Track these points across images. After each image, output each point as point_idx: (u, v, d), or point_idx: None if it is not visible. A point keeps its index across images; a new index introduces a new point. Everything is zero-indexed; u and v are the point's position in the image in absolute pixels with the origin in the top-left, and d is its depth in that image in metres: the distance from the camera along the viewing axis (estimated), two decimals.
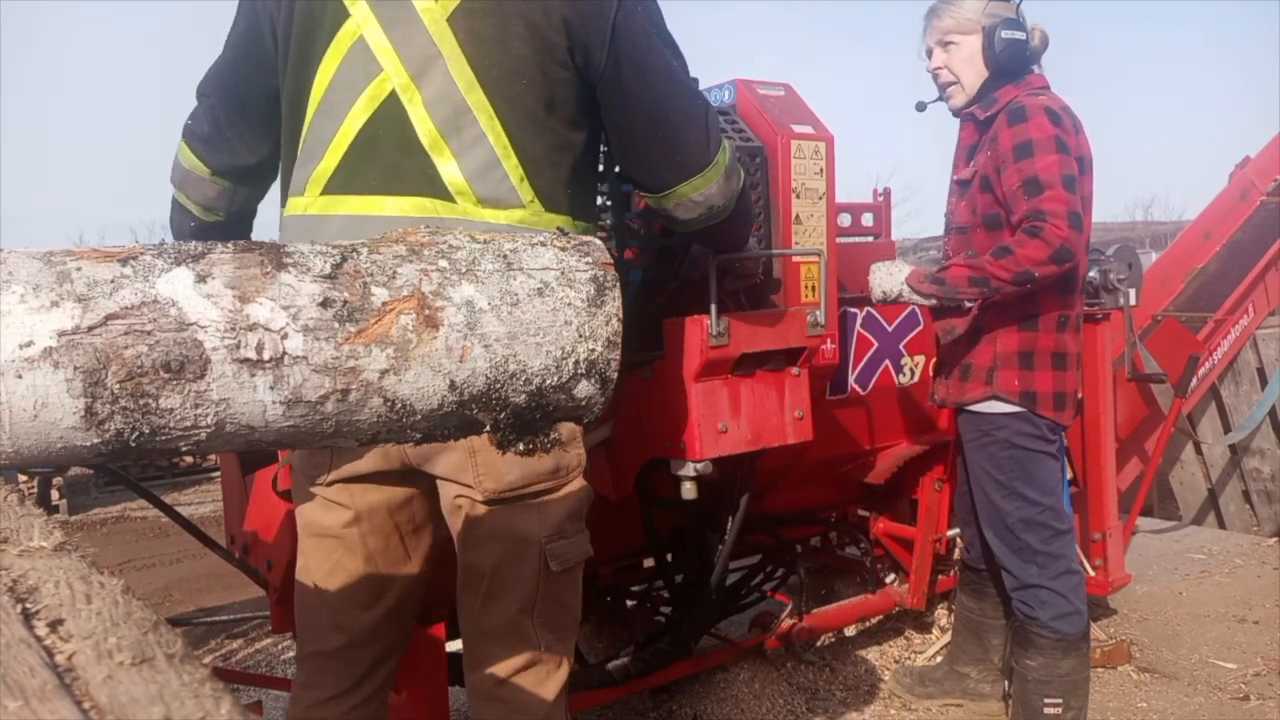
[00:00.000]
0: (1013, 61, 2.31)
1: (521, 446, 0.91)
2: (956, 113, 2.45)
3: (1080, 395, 2.69)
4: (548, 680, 1.53)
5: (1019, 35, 2.29)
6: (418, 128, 1.38)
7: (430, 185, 1.38)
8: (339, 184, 1.42)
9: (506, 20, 1.37)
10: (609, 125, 1.50)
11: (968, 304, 2.32)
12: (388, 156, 1.39)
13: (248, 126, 1.61)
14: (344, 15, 1.41)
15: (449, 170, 1.38)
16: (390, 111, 1.39)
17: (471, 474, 1.45)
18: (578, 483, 1.53)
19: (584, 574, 1.61)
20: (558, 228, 1.41)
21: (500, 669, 1.51)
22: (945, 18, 2.36)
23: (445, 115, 1.37)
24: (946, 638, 3.13)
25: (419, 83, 1.38)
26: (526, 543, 1.48)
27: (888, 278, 2.37)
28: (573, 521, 1.52)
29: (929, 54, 2.43)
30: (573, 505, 1.51)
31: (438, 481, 1.51)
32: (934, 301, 2.33)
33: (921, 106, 2.53)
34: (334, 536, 1.55)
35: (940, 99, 2.47)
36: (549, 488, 1.48)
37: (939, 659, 3.00)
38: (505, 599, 1.50)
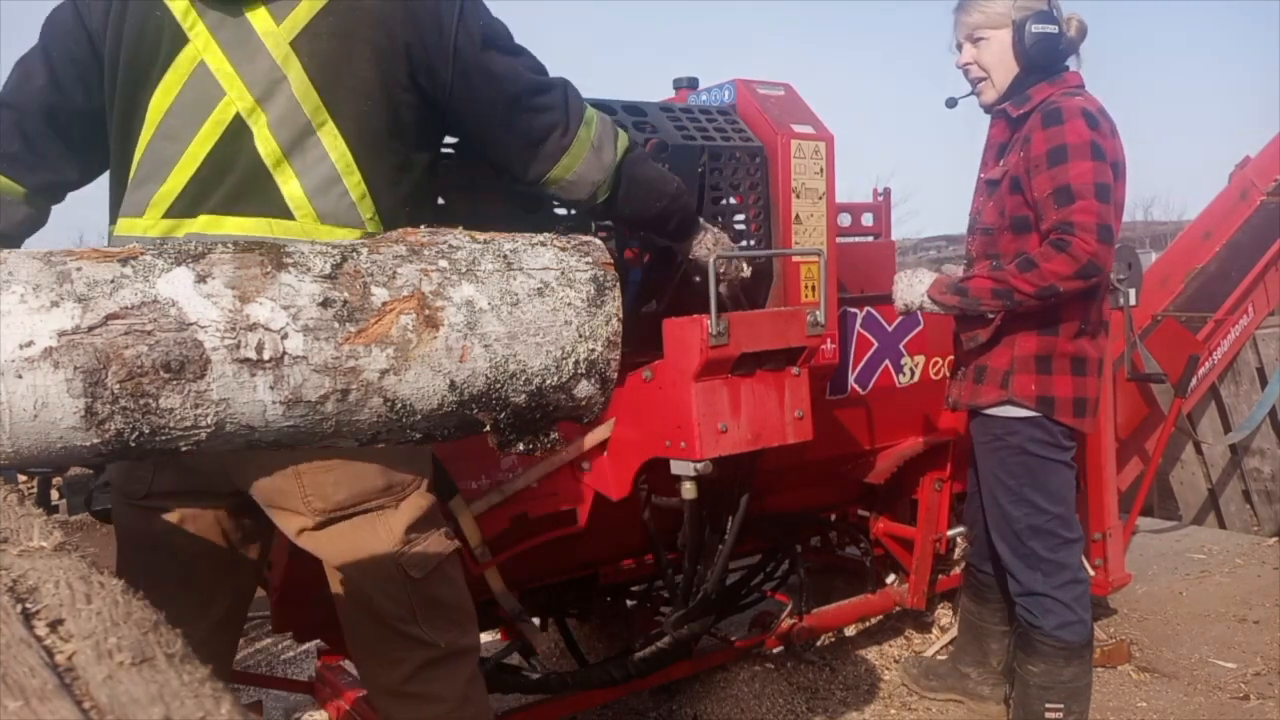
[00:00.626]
0: (1045, 56, 2.24)
1: (522, 446, 0.91)
2: (988, 109, 2.38)
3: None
4: (456, 671, 1.56)
5: (1050, 29, 2.22)
6: (261, 149, 1.40)
7: (271, 205, 1.41)
8: (182, 207, 1.43)
9: (350, 44, 1.40)
10: (470, 134, 1.57)
11: (990, 315, 2.28)
12: (232, 179, 1.41)
13: (67, 143, 1.55)
14: (183, 40, 1.41)
15: (291, 188, 1.41)
16: (235, 134, 1.41)
17: (299, 497, 1.45)
18: (417, 495, 1.53)
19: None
20: None
21: (402, 672, 1.54)
22: (974, 12, 2.29)
23: (289, 136, 1.40)
24: (947, 637, 3.13)
25: (264, 105, 1.40)
26: (380, 559, 1.49)
27: (908, 289, 2.33)
28: (420, 528, 1.52)
29: (959, 48, 2.36)
30: (415, 516, 1.52)
31: (273, 512, 1.51)
32: (956, 312, 2.30)
33: (952, 102, 2.46)
34: (152, 550, 1.54)
35: (971, 94, 2.40)
36: (382, 504, 1.49)
37: (947, 650, 3.01)
38: (382, 615, 1.52)
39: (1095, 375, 2.29)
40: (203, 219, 1.42)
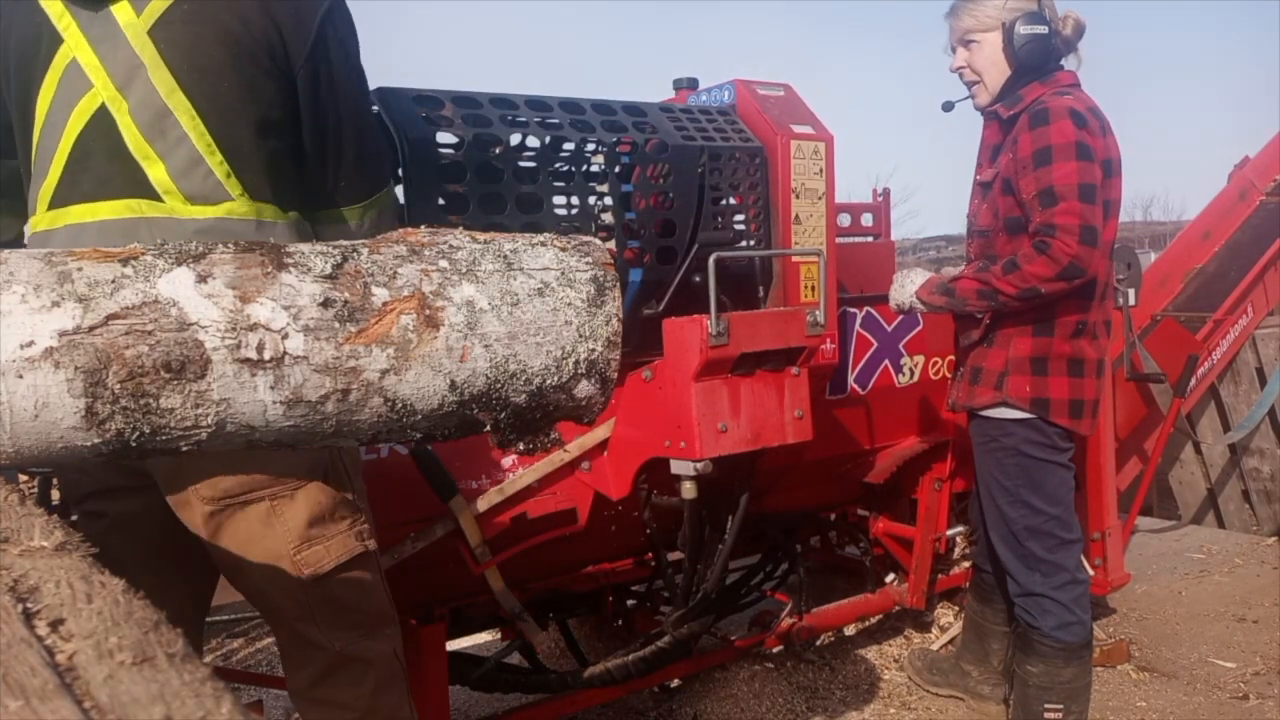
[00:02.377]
0: (1035, 57, 2.23)
1: (522, 446, 0.91)
2: (981, 111, 2.38)
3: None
4: (362, 679, 1.53)
5: (1040, 30, 2.22)
6: (125, 135, 1.44)
7: (139, 188, 1.44)
8: (60, 197, 1.48)
9: (203, 28, 1.45)
10: (309, 133, 1.55)
11: (978, 315, 2.30)
12: (99, 165, 1.45)
13: None
14: (58, 40, 1.47)
15: (156, 172, 1.44)
16: (100, 123, 1.45)
17: (186, 479, 1.45)
18: (315, 486, 1.50)
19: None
20: (264, 219, 1.48)
21: (307, 674, 1.53)
22: (965, 16, 2.30)
23: (149, 120, 1.43)
24: (947, 635, 3.14)
25: (124, 93, 1.44)
26: (275, 555, 1.47)
27: (900, 290, 2.35)
28: (322, 525, 1.50)
29: (952, 52, 2.37)
30: (314, 510, 1.49)
31: (174, 504, 1.50)
32: (944, 311, 2.32)
33: (949, 106, 2.46)
34: (98, 548, 1.53)
35: (967, 97, 2.40)
36: (274, 493, 1.47)
37: (951, 648, 3.02)
38: (281, 613, 1.52)
39: (1094, 377, 2.28)
40: (77, 208, 1.46)
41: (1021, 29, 2.22)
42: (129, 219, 1.43)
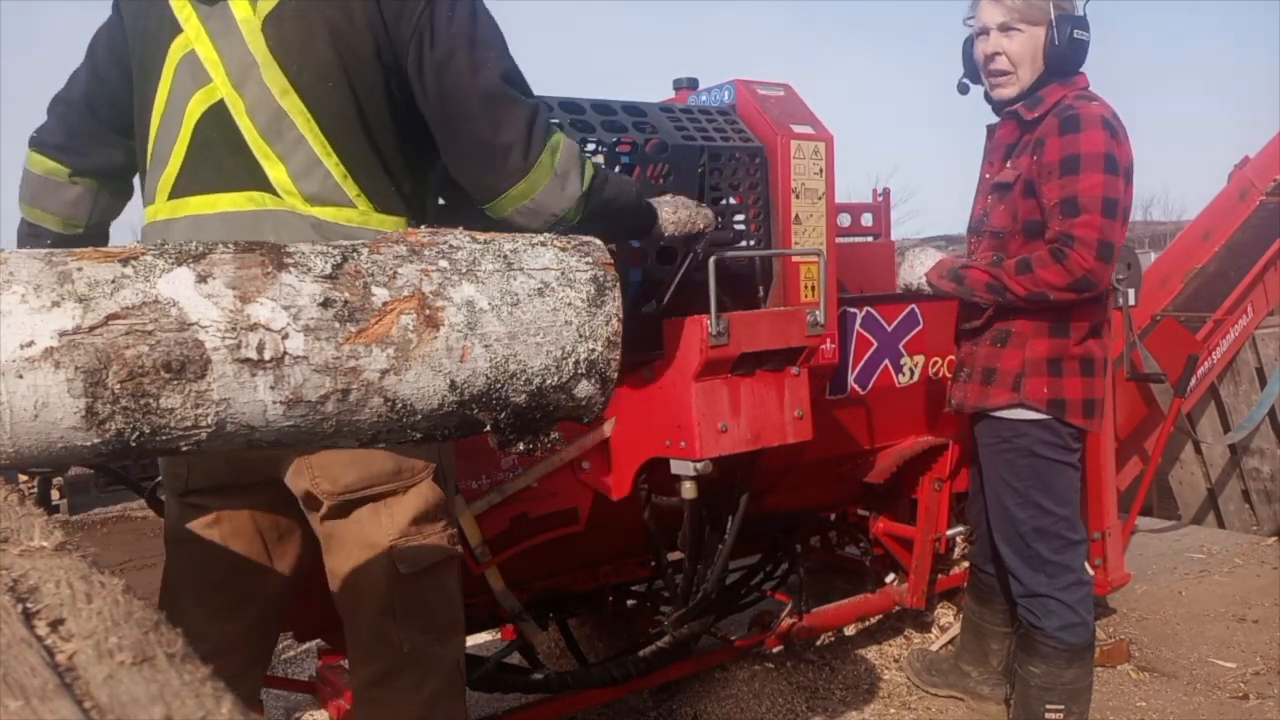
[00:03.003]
0: (1072, 62, 2.19)
1: (522, 446, 0.91)
2: (1000, 105, 2.31)
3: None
4: (422, 685, 1.53)
5: (1086, 36, 2.17)
6: (244, 133, 1.44)
7: (260, 181, 1.44)
8: (181, 187, 1.48)
9: (311, 25, 1.42)
10: (433, 130, 1.51)
11: (982, 305, 2.30)
12: (220, 157, 1.45)
13: (105, 131, 1.66)
14: (178, 30, 1.47)
15: (276, 172, 1.43)
16: (218, 116, 1.45)
17: (308, 477, 1.47)
18: (426, 485, 1.52)
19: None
20: (383, 230, 1.44)
21: (370, 671, 1.53)
22: (1013, 0, 2.18)
23: (265, 121, 1.43)
24: (947, 635, 3.13)
25: (240, 90, 1.44)
26: (372, 545, 1.49)
27: (909, 270, 2.35)
28: (422, 523, 1.52)
29: (984, 34, 2.25)
30: (421, 507, 1.51)
31: (290, 485, 1.53)
32: (950, 297, 2.33)
33: (965, 88, 2.39)
34: (193, 541, 1.55)
35: (979, 84, 2.34)
36: (391, 489, 1.49)
37: (951, 648, 3.02)
38: (363, 602, 1.52)
39: (1102, 375, 2.29)
40: (197, 199, 1.46)
41: (1075, 33, 2.15)
42: (251, 211, 1.43)
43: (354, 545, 1.50)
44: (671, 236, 1.86)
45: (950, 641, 3.10)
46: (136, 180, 1.69)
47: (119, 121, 1.62)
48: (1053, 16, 2.16)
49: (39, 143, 1.68)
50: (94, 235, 1.74)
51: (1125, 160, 2.14)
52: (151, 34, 1.49)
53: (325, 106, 1.42)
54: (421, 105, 1.48)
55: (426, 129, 1.52)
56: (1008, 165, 2.31)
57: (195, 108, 1.45)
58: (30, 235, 1.71)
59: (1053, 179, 2.13)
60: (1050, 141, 2.14)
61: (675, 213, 1.83)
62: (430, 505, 1.53)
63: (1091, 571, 2.96)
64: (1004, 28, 2.21)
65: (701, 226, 1.88)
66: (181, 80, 1.46)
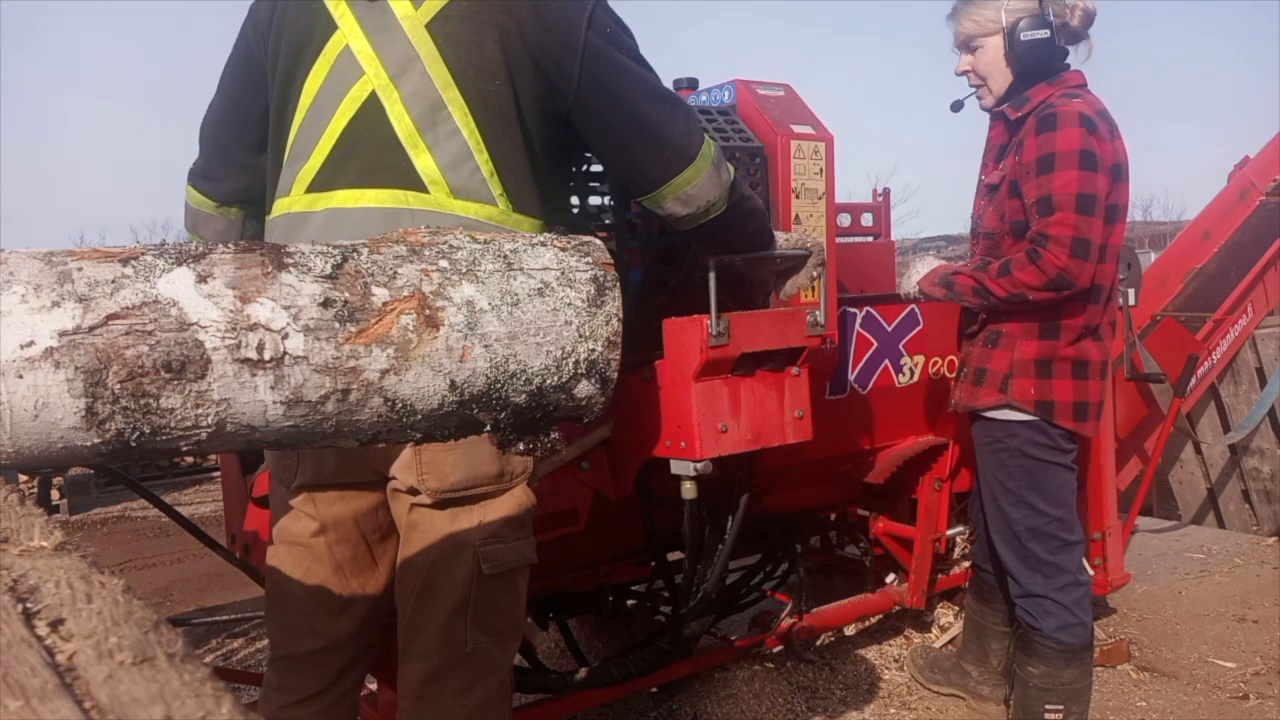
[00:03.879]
0: (1038, 63, 2.22)
1: (522, 446, 0.91)
2: (987, 111, 2.38)
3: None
4: (476, 685, 1.53)
5: (1041, 34, 2.19)
6: (395, 124, 1.45)
7: (405, 178, 1.45)
8: (323, 181, 1.49)
9: (480, 26, 1.46)
10: (591, 133, 1.57)
11: (975, 310, 2.33)
12: (367, 153, 1.47)
13: (246, 152, 1.69)
14: (333, 27, 1.50)
15: (424, 162, 1.45)
16: (370, 110, 1.47)
17: (416, 473, 1.48)
18: (521, 489, 1.54)
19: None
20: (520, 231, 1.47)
21: (427, 667, 1.52)
22: (965, 21, 2.28)
23: (422, 111, 1.45)
24: (948, 635, 3.14)
25: (397, 82, 1.46)
26: (461, 544, 1.50)
27: (906, 279, 2.39)
28: (512, 527, 1.53)
29: (958, 54, 2.36)
30: (514, 510, 1.53)
31: (391, 493, 1.54)
32: (942, 301, 2.37)
33: (958, 106, 2.44)
34: (302, 545, 1.58)
35: (972, 94, 2.40)
36: (491, 491, 1.50)
37: (951, 648, 3.03)
38: (438, 597, 1.52)
39: (1098, 378, 2.28)
40: (341, 193, 1.48)
41: (1023, 35, 2.20)
42: (393, 208, 1.44)
43: (441, 540, 1.50)
44: (783, 254, 1.92)
45: (951, 641, 3.10)
46: None
47: (256, 138, 1.66)
48: (1006, 24, 2.21)
49: (190, 174, 1.76)
50: None
51: (1108, 157, 2.15)
52: (303, 32, 1.52)
53: (486, 103, 1.46)
54: (588, 110, 1.53)
55: (569, 135, 1.57)
56: (998, 167, 2.33)
57: (349, 104, 1.47)
58: None
59: (1031, 178, 2.15)
60: (1028, 141, 2.17)
61: (787, 235, 1.94)
62: (523, 510, 1.54)
63: (1091, 571, 2.97)
64: (966, 46, 2.31)
65: (808, 245, 1.96)
66: (334, 76, 1.49)
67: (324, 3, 1.50)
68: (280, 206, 1.54)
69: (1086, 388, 2.25)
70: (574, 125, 1.56)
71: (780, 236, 1.92)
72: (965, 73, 2.34)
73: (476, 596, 1.51)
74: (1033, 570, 2.34)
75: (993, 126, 2.39)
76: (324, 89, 1.50)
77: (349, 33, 1.48)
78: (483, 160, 1.46)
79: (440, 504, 1.49)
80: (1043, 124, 2.15)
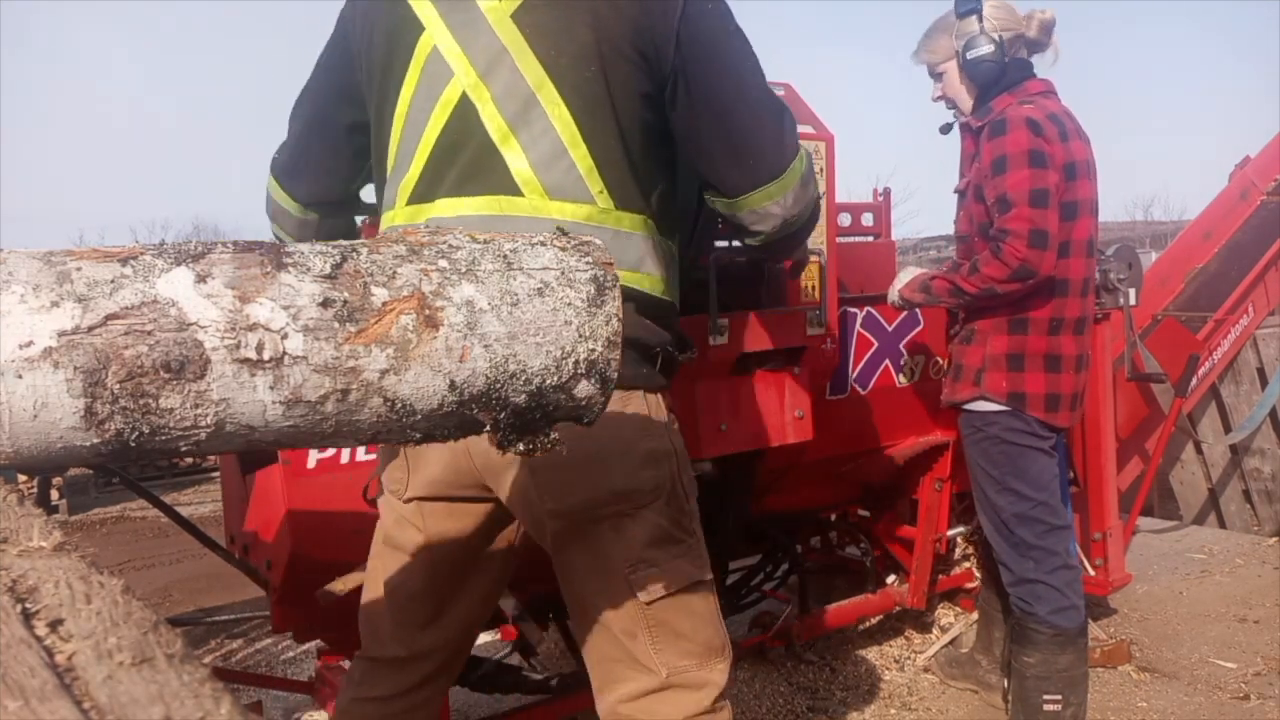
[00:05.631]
0: (990, 75, 2.37)
1: (522, 446, 0.91)
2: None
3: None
4: (678, 706, 1.42)
5: (984, 51, 2.35)
6: (488, 125, 1.39)
7: (499, 182, 1.39)
8: (422, 192, 1.44)
9: (569, 10, 1.38)
10: (679, 125, 1.45)
11: (955, 310, 2.44)
12: (462, 159, 1.41)
13: (329, 154, 1.63)
14: (420, 28, 1.44)
15: (517, 163, 1.38)
16: (463, 113, 1.40)
17: (534, 494, 1.40)
18: (658, 507, 1.41)
19: None
20: (620, 228, 1.39)
21: (626, 690, 1.42)
22: (924, 53, 2.49)
23: (514, 109, 1.38)
24: (948, 636, 3.14)
25: (486, 80, 1.39)
26: (607, 574, 1.39)
27: (892, 289, 2.48)
28: (658, 547, 1.40)
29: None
30: (654, 531, 1.40)
31: (515, 512, 1.47)
32: (923, 306, 2.50)
33: (946, 129, 2.60)
34: (405, 554, 1.53)
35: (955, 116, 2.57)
36: (621, 511, 1.39)
37: (952, 648, 3.07)
38: (609, 627, 1.42)
39: (1072, 372, 2.35)
40: (440, 202, 1.42)
41: (969, 54, 2.37)
42: (489, 216, 1.38)
43: (586, 571, 1.41)
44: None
45: (953, 641, 3.11)
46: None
47: (348, 146, 1.61)
48: (958, 49, 2.39)
49: (274, 163, 1.70)
50: None
51: (1062, 155, 2.27)
52: (395, 36, 1.46)
53: (580, 92, 1.37)
54: (678, 101, 1.42)
55: (665, 126, 1.45)
56: (966, 175, 2.48)
57: (441, 108, 1.41)
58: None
59: (989, 180, 2.28)
60: (984, 147, 2.31)
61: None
62: (665, 528, 1.42)
63: (1091, 569, 2.97)
64: (933, 74, 2.51)
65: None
66: (426, 80, 1.43)
67: (408, 4, 1.44)
68: (386, 220, 1.49)
69: (1059, 380, 2.33)
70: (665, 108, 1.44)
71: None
72: (939, 98, 2.52)
73: (646, 626, 1.40)
74: (1023, 556, 2.39)
75: (963, 138, 2.54)
76: (417, 95, 1.44)
77: (435, 31, 1.42)
78: (579, 155, 1.37)
79: (569, 530, 1.40)
80: (993, 130, 2.30)
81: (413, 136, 1.45)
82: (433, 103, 1.42)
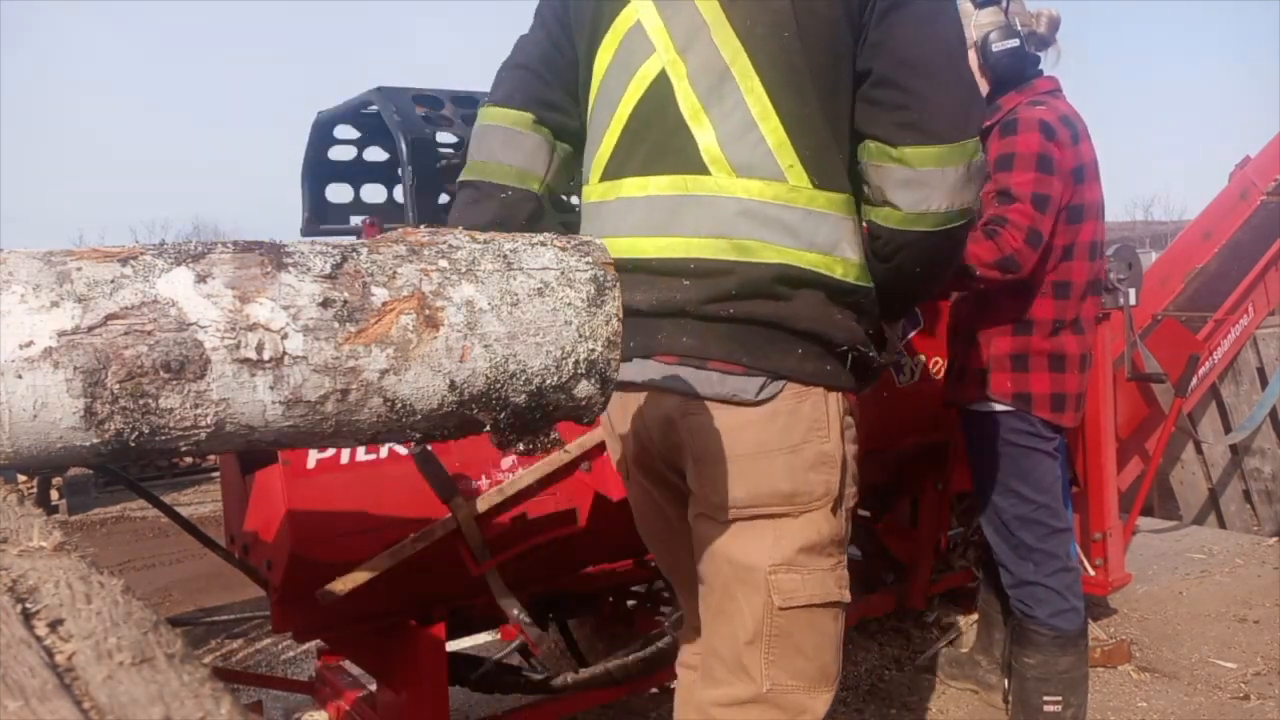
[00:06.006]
0: (1010, 71, 2.32)
1: (522, 446, 0.91)
2: None
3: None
4: None
5: (1012, 44, 2.29)
6: (681, 102, 1.35)
7: (687, 161, 1.35)
8: (613, 169, 1.42)
9: None
10: (861, 68, 1.34)
11: (952, 294, 2.42)
12: (653, 136, 1.37)
13: (562, 96, 1.54)
14: (624, 2, 1.41)
15: (705, 139, 1.33)
16: (659, 90, 1.37)
17: (697, 485, 1.38)
18: (822, 514, 1.37)
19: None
20: (813, 208, 1.32)
21: (720, 695, 1.39)
22: None
23: (707, 84, 1.34)
24: (948, 636, 3.14)
25: (684, 56, 1.35)
26: (749, 569, 1.35)
27: None
28: (810, 555, 1.36)
29: None
30: (812, 537, 1.35)
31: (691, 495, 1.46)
32: None
33: None
34: (643, 515, 1.59)
35: None
36: (783, 512, 1.35)
37: (951, 648, 3.07)
38: (730, 624, 1.38)
39: (1076, 372, 2.34)
40: (628, 181, 1.40)
41: (995, 46, 2.30)
42: (673, 196, 1.34)
43: (727, 562, 1.37)
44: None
45: (952, 642, 3.11)
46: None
47: (572, 87, 1.53)
48: (977, 38, 2.31)
49: (495, 100, 1.56)
50: (539, 204, 1.55)
51: (1068, 161, 2.23)
52: (600, 12, 1.43)
53: (774, 61, 1.30)
54: (862, 45, 1.32)
55: (855, 89, 1.35)
56: None
57: (637, 83, 1.38)
58: (471, 202, 1.55)
59: (992, 175, 2.25)
60: (992, 145, 2.27)
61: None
62: (823, 537, 1.37)
63: (1091, 569, 2.97)
64: None
65: None
66: (623, 54, 1.40)
67: None
68: (585, 194, 1.47)
69: (1064, 380, 2.32)
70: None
71: None
72: None
73: (770, 632, 1.35)
74: (1023, 559, 2.39)
75: None
76: (612, 68, 1.41)
77: (640, 6, 1.38)
78: (769, 128, 1.30)
79: (724, 521, 1.36)
80: (1005, 129, 2.26)
81: (605, 112, 1.42)
82: (629, 77, 1.39)
